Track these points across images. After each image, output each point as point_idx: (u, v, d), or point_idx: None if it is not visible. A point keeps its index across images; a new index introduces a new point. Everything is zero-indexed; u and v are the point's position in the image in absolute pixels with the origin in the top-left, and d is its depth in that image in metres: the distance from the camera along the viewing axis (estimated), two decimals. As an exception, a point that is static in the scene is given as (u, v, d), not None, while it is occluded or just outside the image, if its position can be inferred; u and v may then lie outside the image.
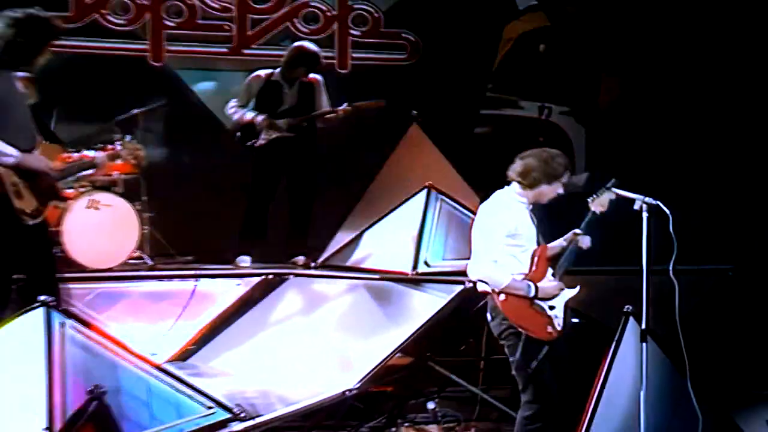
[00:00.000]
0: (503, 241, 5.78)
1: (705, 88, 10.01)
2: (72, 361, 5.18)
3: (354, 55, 9.91)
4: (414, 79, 9.89)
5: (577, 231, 5.91)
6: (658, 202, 5.82)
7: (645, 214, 5.82)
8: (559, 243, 5.95)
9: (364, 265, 7.98)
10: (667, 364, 6.23)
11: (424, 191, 7.86)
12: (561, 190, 5.90)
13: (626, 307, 6.24)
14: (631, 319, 6.24)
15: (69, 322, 5.29)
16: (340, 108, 8.31)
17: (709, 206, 9.05)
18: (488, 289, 5.85)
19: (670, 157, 9.96)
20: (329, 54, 9.39)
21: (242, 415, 5.89)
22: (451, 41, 9.99)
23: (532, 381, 5.77)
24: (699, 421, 5.97)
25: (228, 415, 5.82)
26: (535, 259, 5.82)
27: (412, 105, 8.82)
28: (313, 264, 8.25)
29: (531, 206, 5.91)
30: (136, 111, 8.47)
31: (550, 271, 5.86)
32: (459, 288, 7.21)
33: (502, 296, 5.76)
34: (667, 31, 10.16)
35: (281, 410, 6.52)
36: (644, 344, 5.91)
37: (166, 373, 5.73)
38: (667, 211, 5.78)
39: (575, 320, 5.98)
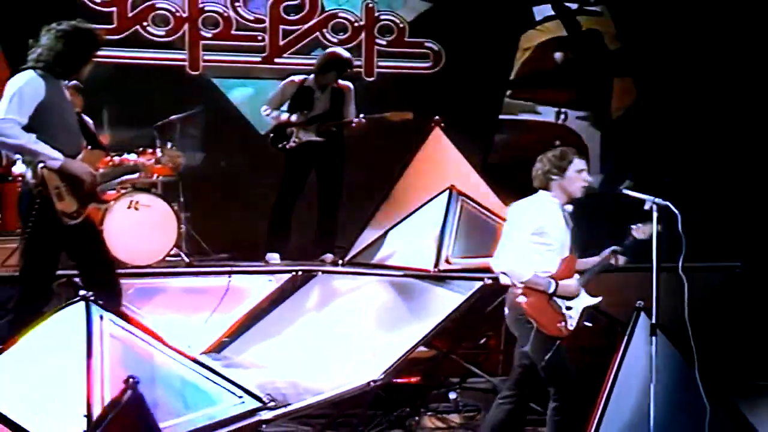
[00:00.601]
0: (530, 238, 5.73)
1: (713, 92, 9.94)
2: (110, 352, 5.19)
3: (380, 63, 9.92)
4: (437, 85, 9.88)
5: (616, 249, 5.87)
6: (668, 203, 5.77)
7: (655, 214, 5.76)
8: (594, 260, 5.91)
9: (388, 263, 7.94)
10: (677, 357, 6.17)
11: (446, 192, 7.82)
12: (587, 176, 5.83)
13: (638, 302, 6.19)
14: (642, 314, 6.19)
15: (108, 315, 5.29)
16: (356, 119, 8.29)
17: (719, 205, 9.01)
18: (509, 282, 5.80)
19: (681, 158, 9.93)
20: (356, 62, 9.36)
21: (271, 404, 5.88)
22: (472, 50, 9.96)
23: (554, 375, 5.73)
24: (707, 411, 5.89)
25: (258, 404, 5.81)
26: (563, 265, 5.77)
27: (435, 110, 8.78)
28: (340, 261, 8.22)
29: (568, 210, 5.85)
30: (173, 117, 8.50)
31: (576, 276, 5.82)
32: (478, 284, 7.18)
33: (521, 292, 5.70)
34: (675, 37, 10.09)
35: (309, 399, 6.51)
36: (654, 338, 5.85)
37: (200, 364, 5.74)
38: (676, 212, 5.72)
39: (587, 324, 5.90)
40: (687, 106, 10.05)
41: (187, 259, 8.11)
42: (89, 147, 6.37)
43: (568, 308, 5.74)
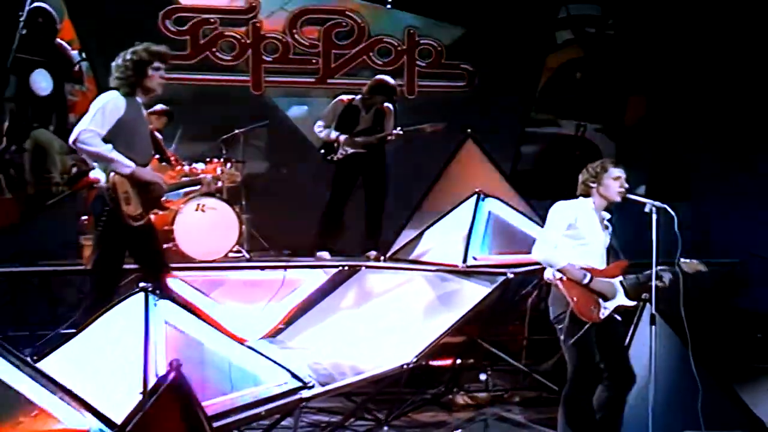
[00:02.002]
0: (564, 232, 5.58)
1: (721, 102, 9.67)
2: (165, 337, 5.16)
3: (420, 83, 9.84)
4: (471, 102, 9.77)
5: (664, 267, 5.61)
6: (665, 206, 5.58)
7: (654, 216, 5.57)
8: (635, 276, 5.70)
9: (423, 259, 7.87)
10: (678, 343, 5.99)
11: (474, 196, 7.73)
12: (624, 183, 5.64)
13: (644, 294, 6.00)
14: (648, 304, 6.00)
15: (163, 303, 5.26)
16: (394, 131, 8.22)
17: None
18: (551, 278, 5.62)
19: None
20: (399, 82, 9.29)
21: (311, 384, 5.82)
22: (502, 70, 9.84)
23: (574, 356, 5.53)
24: (699, 391, 5.69)
25: (299, 384, 5.75)
26: (610, 266, 5.62)
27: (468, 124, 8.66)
28: (382, 258, 8.15)
29: (606, 216, 5.68)
30: (238, 131, 8.50)
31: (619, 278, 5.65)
32: (502, 278, 7.10)
33: (561, 276, 5.52)
34: (685, 52, 9.86)
35: (350, 379, 6.49)
36: (653, 326, 5.66)
37: (247, 347, 5.69)
38: (673, 213, 5.53)
39: (617, 317, 5.71)
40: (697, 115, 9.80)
41: (247, 256, 8.09)
42: (157, 158, 6.39)
43: (605, 299, 5.57)
